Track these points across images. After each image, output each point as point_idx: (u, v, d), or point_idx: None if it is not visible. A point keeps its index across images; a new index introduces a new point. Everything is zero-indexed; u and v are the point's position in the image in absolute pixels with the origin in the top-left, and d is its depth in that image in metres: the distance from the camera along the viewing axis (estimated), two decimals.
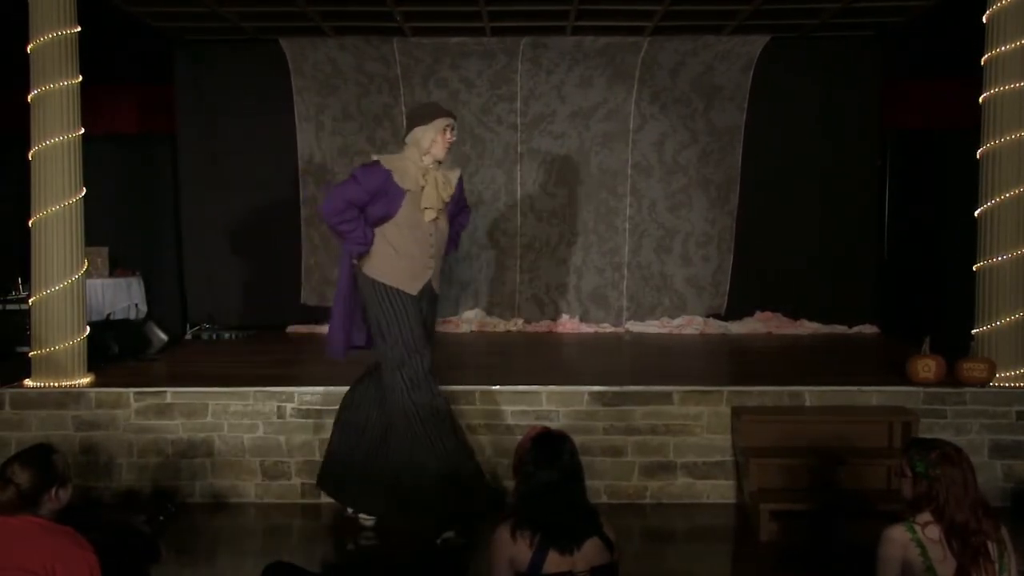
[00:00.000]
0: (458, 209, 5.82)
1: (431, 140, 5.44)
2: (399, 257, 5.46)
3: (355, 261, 5.57)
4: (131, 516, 4.35)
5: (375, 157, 5.59)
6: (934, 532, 3.46)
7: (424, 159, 5.47)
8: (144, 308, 9.44)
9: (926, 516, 3.50)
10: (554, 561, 3.44)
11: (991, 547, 3.44)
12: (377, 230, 5.47)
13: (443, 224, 5.62)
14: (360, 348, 5.78)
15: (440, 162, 5.53)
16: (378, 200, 5.40)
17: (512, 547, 3.49)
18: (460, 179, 5.75)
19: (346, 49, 9.68)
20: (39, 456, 3.54)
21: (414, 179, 5.42)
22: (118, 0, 8.24)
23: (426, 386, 5.51)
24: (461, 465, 5.52)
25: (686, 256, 9.92)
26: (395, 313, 5.47)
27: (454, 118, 5.58)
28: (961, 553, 3.41)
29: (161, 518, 4.25)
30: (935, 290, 9.85)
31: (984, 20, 6.56)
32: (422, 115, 5.55)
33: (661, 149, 9.87)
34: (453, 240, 5.90)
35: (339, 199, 5.42)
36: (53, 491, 3.50)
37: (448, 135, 5.46)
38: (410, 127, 5.53)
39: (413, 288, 5.50)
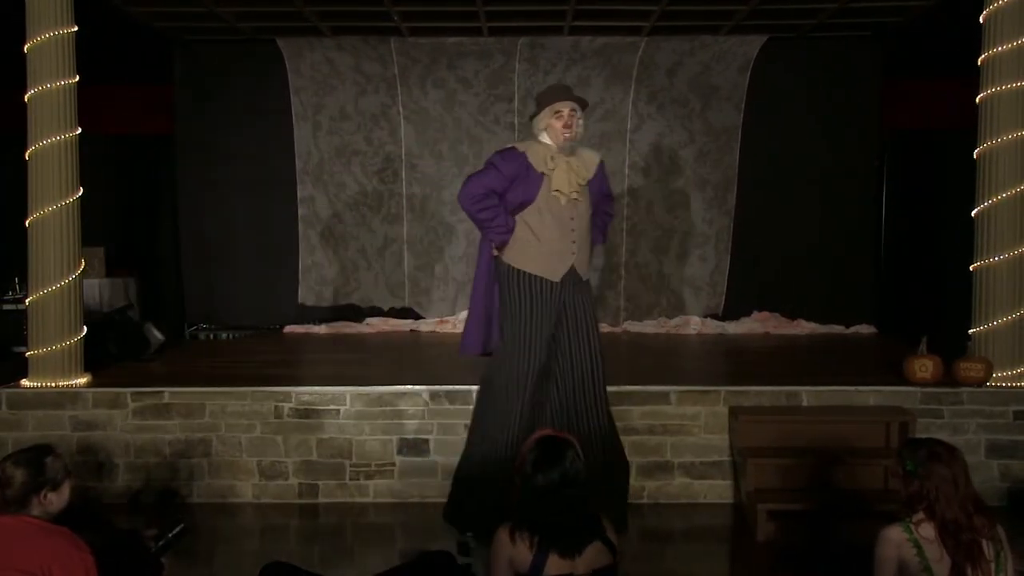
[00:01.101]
0: (600, 197, 5.64)
1: (545, 125, 5.40)
2: (540, 243, 5.35)
3: (496, 252, 5.48)
4: (142, 528, 4.35)
5: (511, 144, 5.59)
6: (929, 531, 3.47)
7: (550, 143, 5.41)
8: (135, 308, 9.41)
9: (920, 515, 3.51)
10: (555, 564, 3.43)
11: (986, 546, 3.45)
12: (517, 217, 5.39)
13: (584, 208, 5.44)
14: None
15: (566, 146, 5.38)
16: (517, 185, 5.35)
17: (511, 549, 3.48)
18: (601, 165, 5.61)
19: (343, 49, 9.68)
20: (32, 458, 3.52)
21: (544, 162, 5.36)
22: (117, 0, 8.23)
23: (520, 387, 5.35)
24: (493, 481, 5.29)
25: (684, 256, 9.93)
26: (530, 302, 5.36)
27: (572, 100, 5.38)
28: (955, 551, 3.42)
29: (170, 535, 4.24)
30: (932, 290, 9.87)
31: (981, 20, 6.56)
32: (539, 100, 5.53)
33: (658, 149, 9.87)
34: (599, 229, 5.71)
35: (478, 186, 5.36)
36: (43, 494, 3.48)
37: (564, 119, 5.32)
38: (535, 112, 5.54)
39: (555, 275, 5.38)
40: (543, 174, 5.35)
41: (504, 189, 5.36)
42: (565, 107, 5.33)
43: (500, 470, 5.08)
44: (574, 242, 5.41)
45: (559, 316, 5.42)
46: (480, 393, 5.67)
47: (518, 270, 5.40)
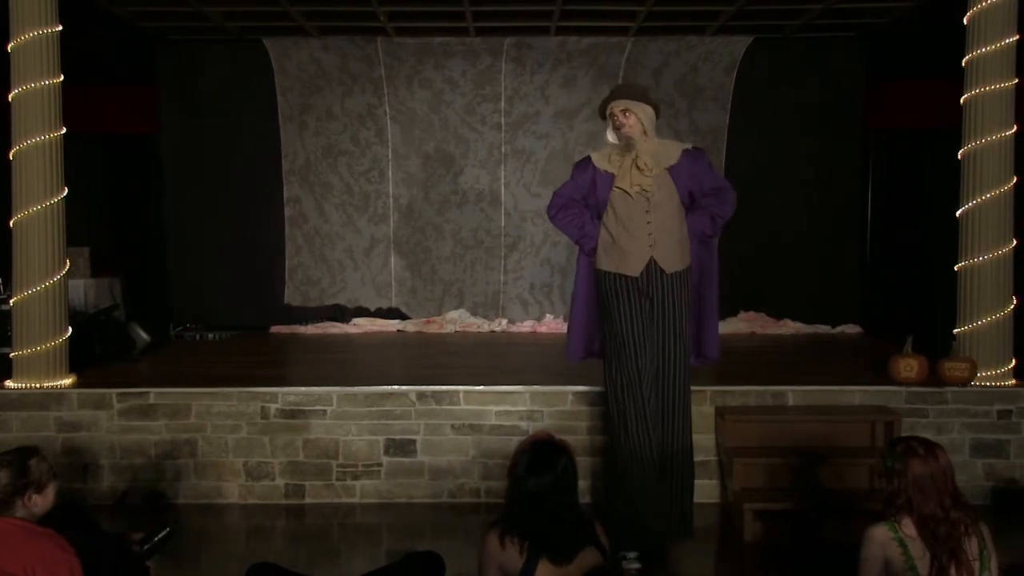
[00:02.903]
0: (707, 188, 5.48)
1: (608, 126, 5.45)
2: (615, 242, 5.39)
3: (591, 259, 5.51)
4: (128, 531, 4.33)
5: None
6: (912, 528, 3.49)
7: (616, 142, 5.45)
8: (121, 308, 9.37)
9: (903, 512, 3.52)
10: (546, 570, 3.41)
11: (969, 543, 3.46)
12: (601, 221, 5.46)
13: (664, 200, 5.35)
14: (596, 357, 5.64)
15: (623, 143, 5.38)
16: (593, 190, 5.44)
17: (501, 554, 3.46)
18: (694, 155, 5.46)
19: (330, 49, 9.67)
20: (16, 459, 3.51)
21: (609, 161, 5.41)
22: None
23: (634, 386, 5.34)
24: (647, 481, 5.32)
25: None
26: (616, 300, 5.38)
27: (621, 99, 5.38)
28: (934, 546, 3.43)
29: (156, 539, 4.23)
30: (918, 290, 9.90)
31: (965, 21, 6.59)
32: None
33: None
34: (702, 222, 5.48)
35: (557, 198, 5.54)
36: (27, 496, 3.47)
37: (617, 119, 5.35)
38: None
39: (633, 270, 5.35)
40: (610, 173, 5.39)
41: (583, 196, 5.47)
42: (616, 107, 5.37)
43: (644, 470, 5.29)
44: (650, 234, 5.35)
45: (652, 312, 5.39)
46: (607, 394, 5.59)
47: (604, 271, 5.44)
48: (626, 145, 5.37)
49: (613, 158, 5.40)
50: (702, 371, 7.77)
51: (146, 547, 4.19)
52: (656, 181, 5.33)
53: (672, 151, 5.45)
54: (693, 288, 5.53)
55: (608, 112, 5.41)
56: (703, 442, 6.38)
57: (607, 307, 5.43)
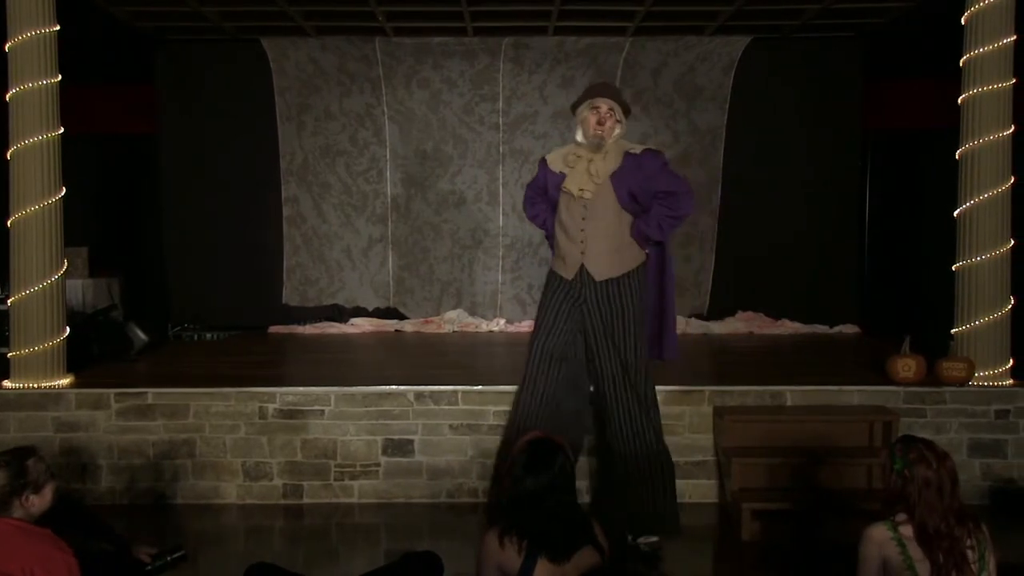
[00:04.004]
0: (657, 192, 5.36)
1: (581, 118, 5.41)
2: (558, 243, 5.49)
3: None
4: (139, 543, 4.33)
5: None
6: (910, 530, 3.48)
7: (580, 140, 5.44)
8: (119, 308, 9.37)
9: (902, 515, 3.52)
10: (544, 569, 3.41)
11: (968, 552, 3.45)
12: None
13: (604, 207, 5.31)
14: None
15: (593, 143, 5.34)
16: (546, 190, 5.54)
17: (500, 554, 3.46)
18: (644, 157, 5.35)
19: (328, 49, 9.66)
20: (13, 460, 3.51)
21: (564, 161, 5.43)
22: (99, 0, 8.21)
23: (531, 370, 5.45)
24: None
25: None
26: (547, 294, 5.52)
27: (602, 96, 5.35)
28: (932, 553, 3.42)
29: (169, 558, 4.25)
30: (915, 290, 9.91)
31: (963, 21, 6.60)
32: (583, 92, 5.54)
33: None
34: (651, 226, 5.36)
35: (527, 192, 5.73)
36: (24, 496, 3.47)
37: (600, 114, 5.30)
38: None
39: (567, 273, 5.41)
40: (561, 174, 5.41)
41: (543, 193, 5.57)
42: (602, 104, 5.32)
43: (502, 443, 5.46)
44: (583, 242, 5.36)
45: (583, 317, 5.42)
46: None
47: (550, 268, 5.57)
48: (596, 146, 5.34)
49: (570, 158, 5.40)
50: (701, 371, 7.83)
51: (157, 563, 4.21)
52: (598, 189, 5.31)
53: (617, 157, 5.37)
54: (652, 290, 5.49)
55: (593, 104, 5.33)
56: (701, 442, 6.39)
57: (542, 297, 5.59)
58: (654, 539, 5.46)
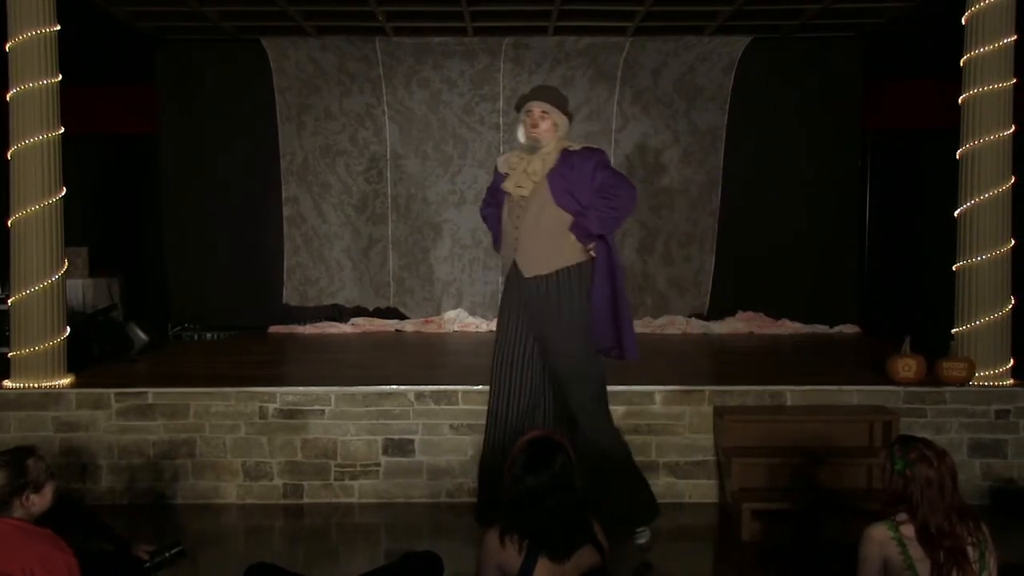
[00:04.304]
0: (596, 188, 5.26)
1: (521, 124, 5.45)
2: (502, 241, 5.55)
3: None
4: (137, 541, 4.33)
5: None
6: (911, 530, 3.48)
7: (523, 142, 5.46)
8: (120, 308, 9.37)
9: (903, 515, 3.52)
10: (545, 568, 3.41)
11: (970, 549, 3.45)
12: None
13: (539, 207, 5.29)
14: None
15: (529, 145, 5.37)
16: (497, 190, 5.58)
17: (501, 553, 3.45)
18: (581, 155, 5.30)
19: (328, 49, 9.66)
20: (13, 460, 3.51)
21: (507, 163, 5.49)
22: None
23: (494, 376, 5.49)
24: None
25: (668, 256, 9.95)
26: (502, 299, 5.59)
27: (539, 100, 5.36)
28: (933, 552, 3.42)
29: (167, 554, 4.25)
30: (916, 290, 9.91)
31: (964, 21, 6.60)
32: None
33: (643, 149, 9.89)
34: (592, 220, 5.23)
35: (485, 195, 5.78)
36: (25, 496, 3.47)
37: (533, 118, 5.33)
38: None
39: (505, 270, 5.53)
40: (505, 174, 5.46)
41: (495, 192, 5.59)
42: (534, 107, 5.36)
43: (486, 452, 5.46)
44: (516, 239, 5.40)
45: (525, 313, 5.42)
46: None
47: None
48: (531, 147, 5.38)
49: (512, 159, 5.46)
50: (701, 371, 7.84)
51: (156, 560, 4.20)
52: (535, 187, 5.32)
53: (551, 157, 5.35)
54: (602, 290, 5.36)
55: (526, 110, 5.38)
56: (701, 442, 6.40)
57: None
58: (644, 535, 5.45)
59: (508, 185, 5.39)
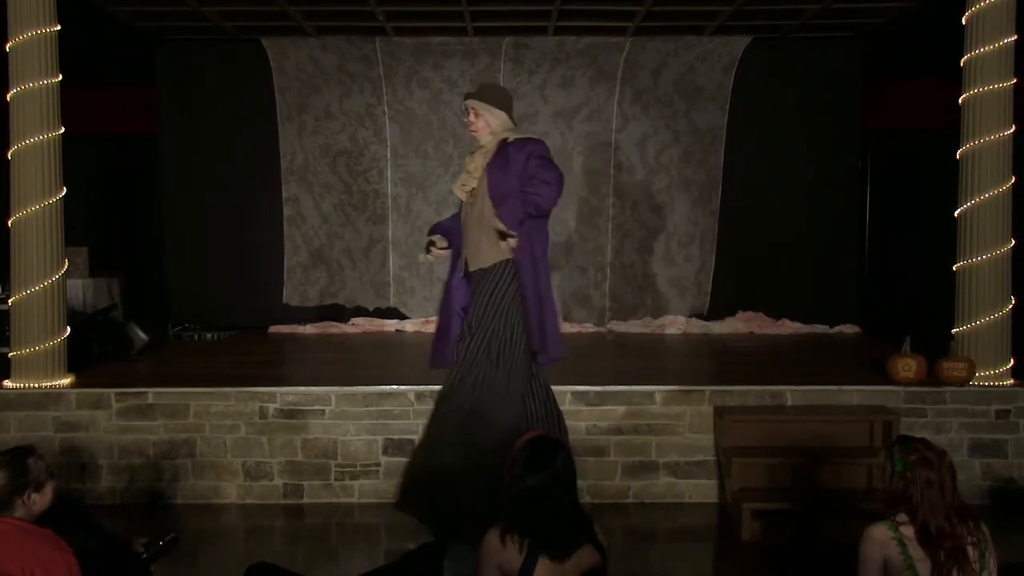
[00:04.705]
0: (526, 178, 5.19)
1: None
2: None
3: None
4: (132, 537, 4.34)
5: None
6: (912, 531, 3.48)
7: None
8: (120, 308, 9.37)
9: (903, 515, 3.52)
10: (545, 567, 3.40)
11: (969, 549, 3.45)
12: None
13: (481, 203, 5.28)
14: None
15: (475, 144, 5.42)
16: None
17: (501, 552, 3.45)
18: (516, 145, 5.26)
19: (328, 49, 9.66)
20: (14, 459, 3.50)
21: (465, 165, 5.51)
22: None
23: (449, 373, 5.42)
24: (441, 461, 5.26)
25: (668, 256, 9.95)
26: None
27: (465, 99, 5.43)
28: (934, 552, 3.42)
29: (161, 544, 4.26)
30: (916, 290, 9.91)
31: (964, 21, 6.60)
32: None
33: (643, 149, 9.89)
34: (521, 206, 5.12)
35: None
36: (26, 495, 3.47)
37: (468, 117, 5.38)
38: None
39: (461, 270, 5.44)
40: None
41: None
42: (467, 106, 5.40)
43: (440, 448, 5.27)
44: (465, 235, 5.41)
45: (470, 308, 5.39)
46: None
47: None
48: (474, 145, 5.44)
49: (467, 159, 5.53)
50: (701, 371, 7.84)
51: (151, 551, 4.21)
52: (477, 183, 5.33)
53: (488, 150, 5.34)
54: (528, 286, 5.28)
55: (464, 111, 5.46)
56: (701, 442, 6.39)
57: None
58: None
59: (455, 186, 5.46)
